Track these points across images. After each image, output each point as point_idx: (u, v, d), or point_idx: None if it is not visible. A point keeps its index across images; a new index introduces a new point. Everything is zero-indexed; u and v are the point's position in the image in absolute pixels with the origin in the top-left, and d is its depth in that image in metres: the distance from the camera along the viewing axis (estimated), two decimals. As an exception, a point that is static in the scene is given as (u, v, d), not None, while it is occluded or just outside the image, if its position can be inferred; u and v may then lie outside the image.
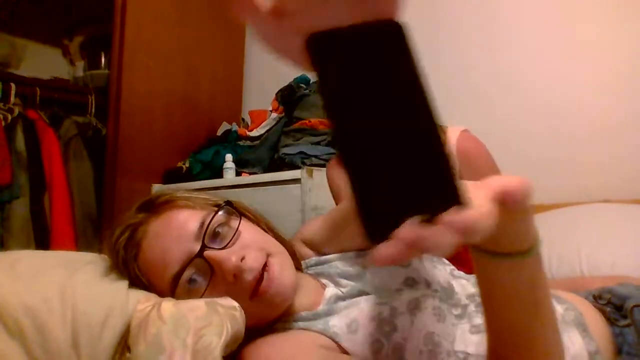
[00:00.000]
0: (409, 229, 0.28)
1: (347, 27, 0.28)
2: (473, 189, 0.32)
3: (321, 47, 0.28)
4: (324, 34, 0.28)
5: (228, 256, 0.61)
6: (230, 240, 0.64)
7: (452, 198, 0.28)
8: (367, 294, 0.69)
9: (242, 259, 0.61)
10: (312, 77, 0.29)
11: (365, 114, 0.28)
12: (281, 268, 0.64)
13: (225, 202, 0.69)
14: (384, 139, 0.28)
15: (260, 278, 0.62)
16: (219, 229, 0.65)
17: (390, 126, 0.28)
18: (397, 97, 0.28)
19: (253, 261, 0.62)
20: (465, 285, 0.73)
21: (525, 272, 0.43)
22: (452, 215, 0.28)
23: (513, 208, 0.35)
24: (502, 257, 0.42)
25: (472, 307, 0.69)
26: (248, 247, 0.64)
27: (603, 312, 0.76)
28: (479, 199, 0.31)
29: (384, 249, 0.28)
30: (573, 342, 0.67)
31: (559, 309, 0.72)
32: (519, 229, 0.41)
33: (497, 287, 0.46)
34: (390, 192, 0.28)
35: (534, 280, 0.45)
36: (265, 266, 0.63)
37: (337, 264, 0.76)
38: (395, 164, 0.28)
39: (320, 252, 0.81)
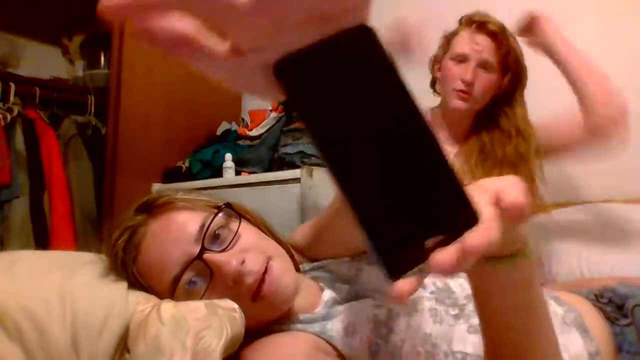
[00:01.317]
0: (441, 259, 0.26)
1: (314, 44, 0.26)
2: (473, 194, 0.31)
3: (292, 71, 0.26)
4: (292, 57, 0.26)
5: (228, 260, 0.61)
6: (230, 243, 0.64)
7: (466, 212, 0.26)
8: (363, 297, 0.69)
9: (242, 262, 0.61)
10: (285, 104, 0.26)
11: (354, 130, 0.26)
12: (282, 269, 0.64)
13: (225, 204, 0.69)
14: (380, 154, 0.26)
15: (261, 281, 0.62)
16: (219, 232, 0.64)
17: (384, 139, 0.26)
18: (383, 104, 0.26)
19: (253, 264, 0.62)
20: (463, 284, 0.73)
21: (521, 272, 0.43)
22: (471, 239, 0.26)
23: (515, 220, 0.33)
24: (501, 260, 0.41)
25: (470, 307, 0.69)
26: (248, 250, 0.64)
27: (603, 311, 0.76)
28: (481, 207, 0.29)
29: (405, 286, 0.27)
30: (573, 343, 0.67)
31: (559, 310, 0.72)
32: (516, 231, 0.40)
33: (494, 290, 0.45)
34: (398, 216, 0.26)
35: (529, 279, 0.44)
36: (266, 269, 0.63)
37: (331, 268, 0.76)
38: (397, 182, 0.26)
39: (310, 259, 0.81)
